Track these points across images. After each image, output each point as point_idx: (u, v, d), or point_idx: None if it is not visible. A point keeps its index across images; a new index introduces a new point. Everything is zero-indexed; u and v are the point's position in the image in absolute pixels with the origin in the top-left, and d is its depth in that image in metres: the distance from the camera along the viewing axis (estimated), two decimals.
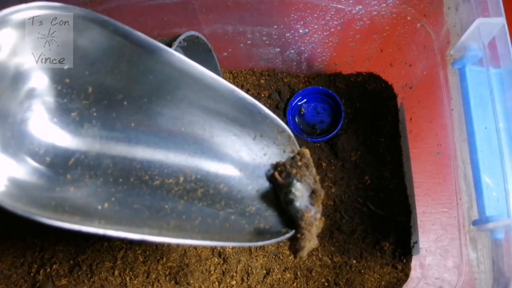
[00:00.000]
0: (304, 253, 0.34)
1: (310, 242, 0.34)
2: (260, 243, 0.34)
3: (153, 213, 0.34)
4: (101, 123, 0.36)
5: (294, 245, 0.34)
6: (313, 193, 0.35)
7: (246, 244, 0.35)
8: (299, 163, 0.37)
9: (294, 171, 0.36)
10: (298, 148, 0.39)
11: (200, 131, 0.37)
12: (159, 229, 0.32)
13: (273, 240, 0.34)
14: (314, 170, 0.37)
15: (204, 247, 0.55)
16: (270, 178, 0.38)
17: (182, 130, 0.37)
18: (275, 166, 0.38)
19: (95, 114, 0.36)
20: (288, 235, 0.34)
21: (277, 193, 0.37)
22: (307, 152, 0.38)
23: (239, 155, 0.38)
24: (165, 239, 0.30)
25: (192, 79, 0.35)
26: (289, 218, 0.35)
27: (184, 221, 0.34)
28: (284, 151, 0.39)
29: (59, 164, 0.34)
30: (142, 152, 0.37)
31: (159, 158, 0.37)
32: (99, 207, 0.32)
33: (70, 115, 0.35)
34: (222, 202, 0.36)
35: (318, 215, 0.35)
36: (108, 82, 0.35)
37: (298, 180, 0.36)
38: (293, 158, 0.38)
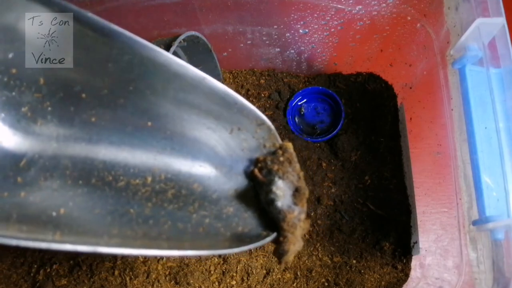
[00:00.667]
0: (289, 257, 0.31)
1: (295, 245, 0.31)
2: (236, 250, 0.30)
3: (116, 219, 0.30)
4: (57, 118, 0.32)
5: (277, 249, 0.31)
6: (296, 192, 0.32)
7: (221, 252, 0.31)
8: (281, 159, 0.33)
9: (275, 167, 0.33)
10: (280, 141, 0.35)
11: (169, 125, 0.34)
12: (121, 238, 0.28)
13: (252, 246, 0.30)
14: (298, 166, 0.33)
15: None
16: (250, 175, 0.35)
17: (149, 124, 0.33)
18: (255, 162, 0.34)
19: (49, 108, 0.32)
20: (269, 239, 0.31)
21: (257, 192, 0.34)
22: (290, 146, 0.34)
23: (215, 151, 0.35)
24: (124, 250, 0.26)
25: (156, 66, 0.31)
26: (271, 219, 0.32)
27: (151, 227, 0.30)
28: (265, 146, 0.35)
29: (8, 166, 0.30)
30: (105, 150, 0.33)
31: (124, 156, 0.33)
32: (54, 214, 0.28)
33: (20, 110, 0.31)
34: (196, 204, 0.33)
35: (303, 216, 0.31)
36: (62, 72, 0.31)
37: (280, 177, 0.32)
38: (274, 152, 0.34)
